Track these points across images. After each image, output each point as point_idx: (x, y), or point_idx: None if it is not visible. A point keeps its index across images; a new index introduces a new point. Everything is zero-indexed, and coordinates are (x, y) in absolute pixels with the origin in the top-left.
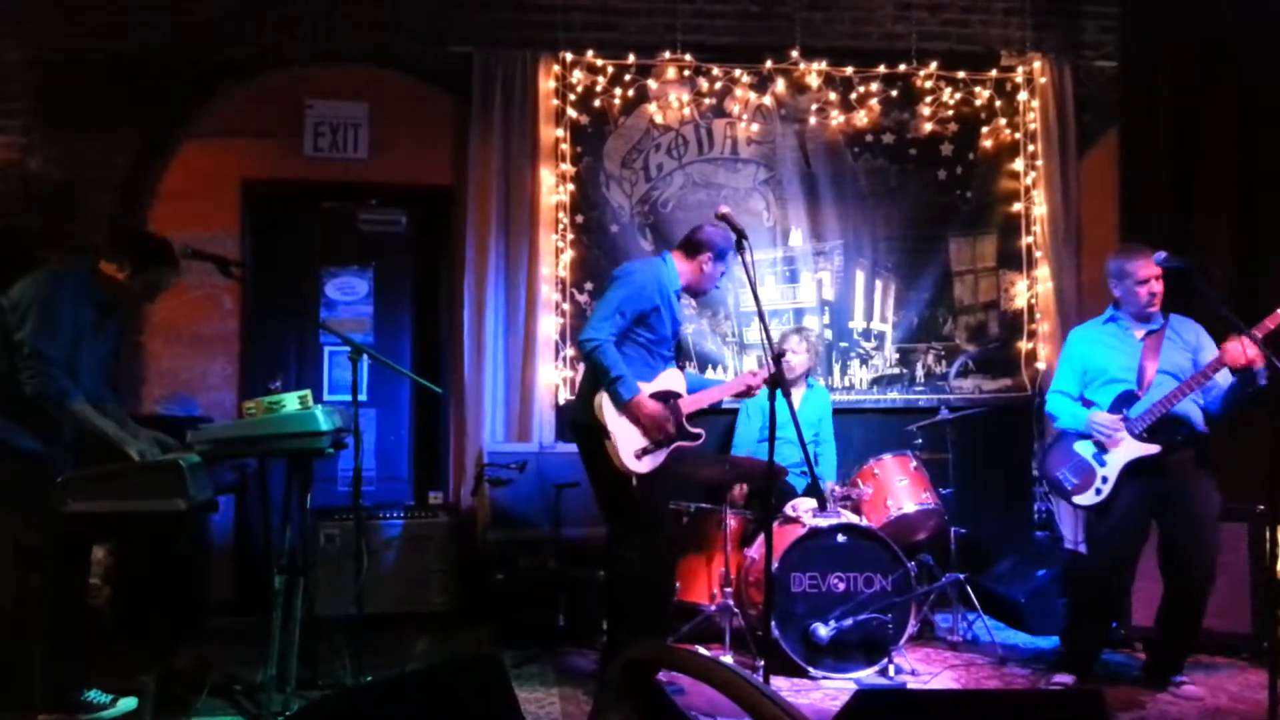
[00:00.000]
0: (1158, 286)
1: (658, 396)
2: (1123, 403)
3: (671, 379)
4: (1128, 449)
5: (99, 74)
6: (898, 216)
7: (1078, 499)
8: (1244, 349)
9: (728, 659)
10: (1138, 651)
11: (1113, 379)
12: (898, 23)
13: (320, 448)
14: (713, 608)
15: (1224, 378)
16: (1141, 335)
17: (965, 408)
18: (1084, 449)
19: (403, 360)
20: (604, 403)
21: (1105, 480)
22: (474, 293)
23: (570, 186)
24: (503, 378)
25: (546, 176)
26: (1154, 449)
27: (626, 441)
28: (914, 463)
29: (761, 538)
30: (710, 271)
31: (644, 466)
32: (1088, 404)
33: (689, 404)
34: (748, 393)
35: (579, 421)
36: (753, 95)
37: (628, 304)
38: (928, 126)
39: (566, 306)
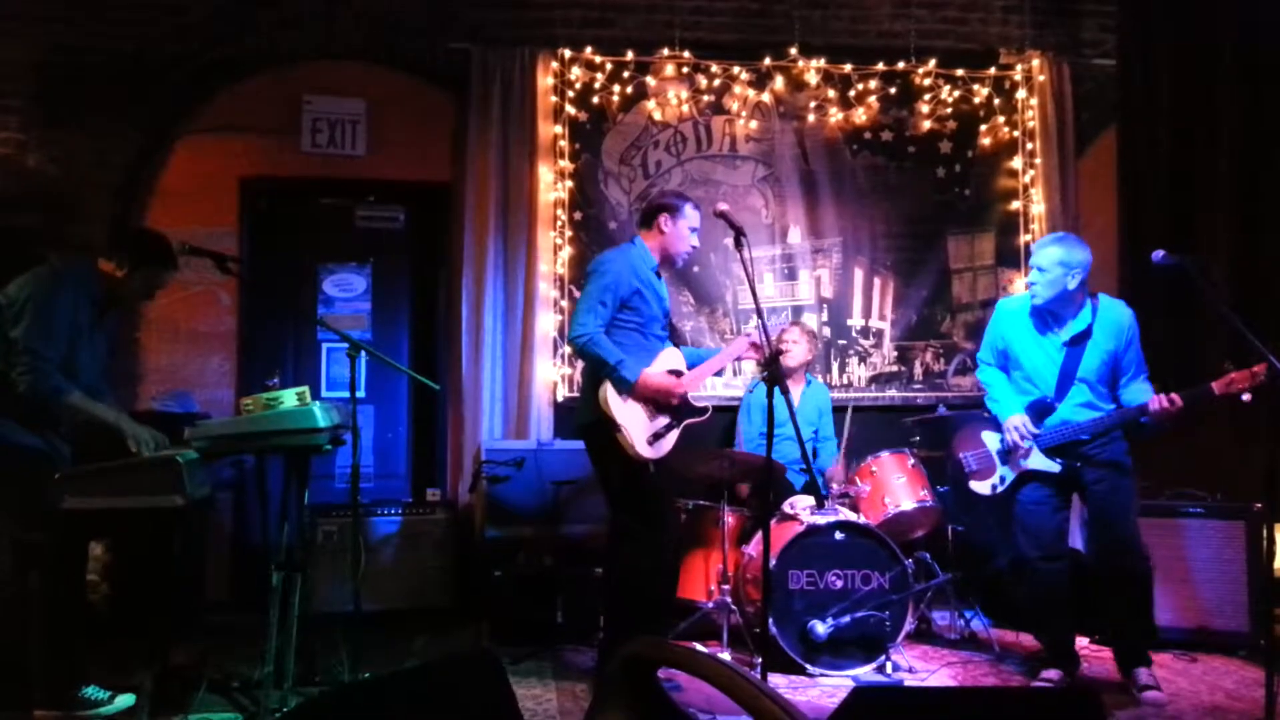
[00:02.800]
0: (1034, 277)
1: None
2: (1037, 413)
3: (671, 358)
4: (1030, 461)
5: (97, 71)
6: (896, 214)
7: (974, 484)
8: (1168, 411)
9: (725, 656)
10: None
11: (1030, 380)
12: (896, 20)
13: (318, 444)
14: (710, 605)
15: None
16: (1067, 339)
17: (963, 405)
18: (991, 441)
19: (400, 357)
20: (609, 394)
21: (1003, 480)
22: (472, 289)
23: (569, 183)
24: (501, 375)
25: (545, 173)
26: (1054, 468)
27: (636, 429)
28: (912, 460)
29: (759, 535)
30: (673, 230)
31: (656, 452)
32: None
33: (692, 379)
34: (753, 352)
35: (584, 422)
36: (751, 92)
37: (607, 292)
38: (926, 124)
39: (564, 304)
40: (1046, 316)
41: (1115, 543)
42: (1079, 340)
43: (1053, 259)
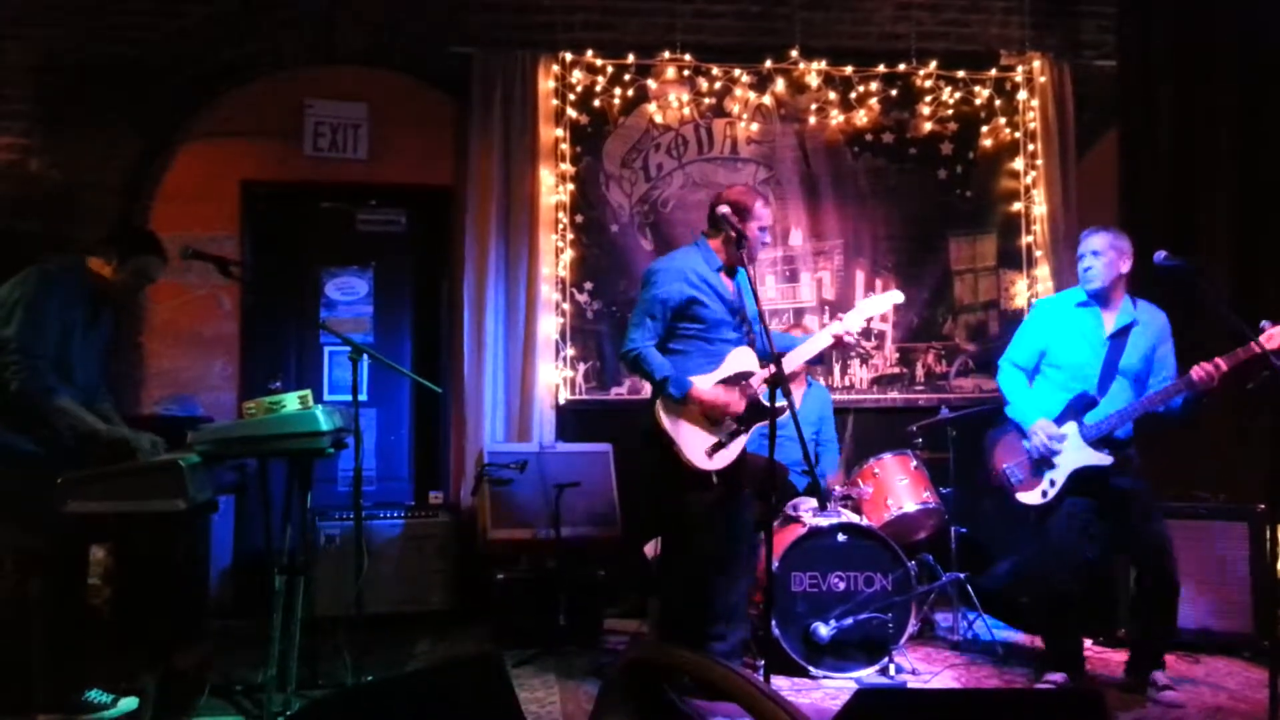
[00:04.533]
0: (1089, 262)
1: (729, 381)
2: (1079, 408)
3: (740, 360)
4: (1078, 456)
5: (99, 76)
6: (897, 216)
7: (1022, 496)
8: (1210, 377)
9: None
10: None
11: (1074, 375)
12: (897, 22)
13: (320, 448)
14: None
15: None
16: (1111, 330)
17: (965, 407)
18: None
19: (403, 360)
20: (660, 410)
21: (1053, 484)
22: (474, 293)
23: (570, 186)
24: (503, 377)
25: (546, 176)
26: (1106, 460)
27: (693, 442)
28: (914, 462)
29: (762, 537)
30: (751, 233)
31: (718, 463)
32: (1031, 376)
33: (760, 380)
34: (838, 344)
35: (643, 429)
36: (752, 95)
37: (655, 305)
38: (927, 126)
39: (566, 306)
40: (1095, 305)
41: (1158, 544)
42: (1122, 334)
43: (1106, 242)
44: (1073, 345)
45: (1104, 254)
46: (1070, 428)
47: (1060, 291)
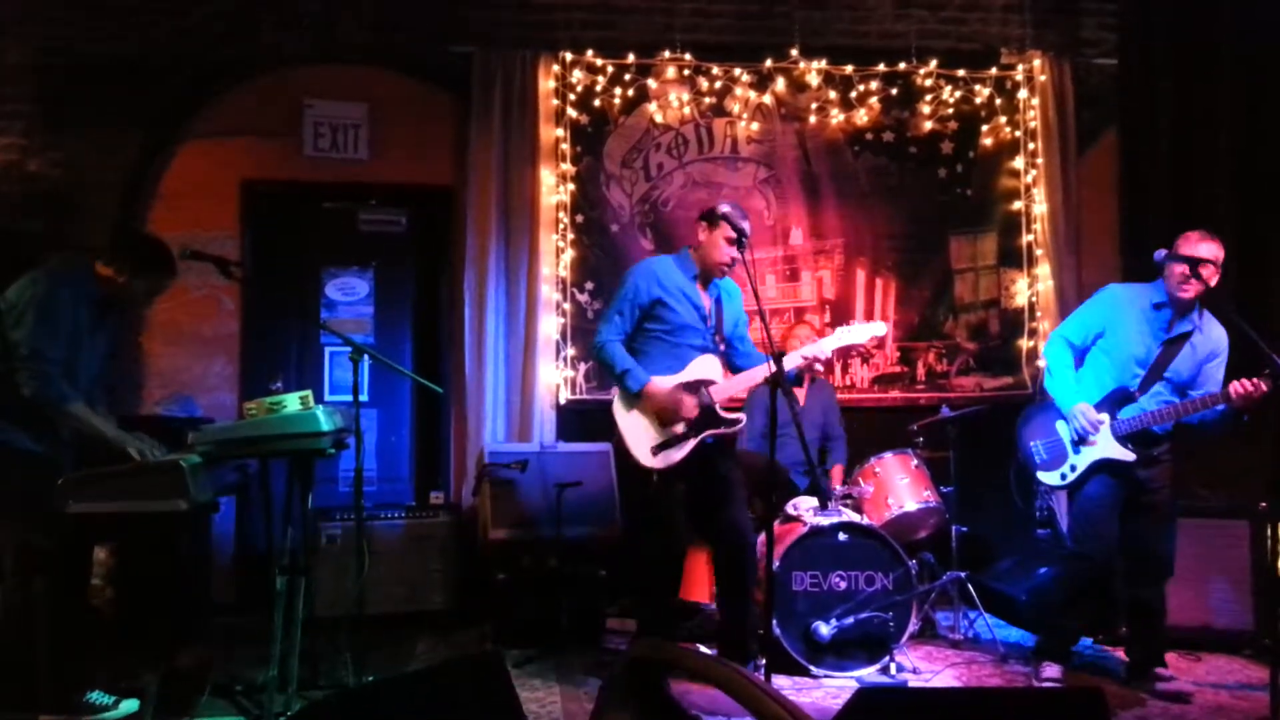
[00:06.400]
0: (1190, 274)
1: (688, 386)
2: (1116, 401)
3: (703, 366)
4: (1104, 448)
5: (99, 75)
6: (898, 215)
7: (1042, 475)
8: (1248, 394)
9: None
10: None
11: (1120, 368)
12: (897, 21)
13: (321, 448)
14: (714, 606)
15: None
16: (1172, 335)
17: (966, 406)
18: (1064, 431)
19: (403, 360)
20: (616, 401)
21: (1074, 469)
22: (474, 293)
23: (570, 186)
24: (503, 377)
25: (546, 176)
26: (1129, 457)
27: (639, 438)
28: (915, 461)
29: (762, 536)
30: (707, 239)
31: (659, 463)
32: (1081, 357)
33: (725, 389)
34: (808, 366)
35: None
36: (752, 94)
37: (623, 303)
38: (928, 125)
39: (567, 306)
40: (1171, 310)
41: (1161, 545)
42: (1178, 340)
43: (1217, 256)
44: (1131, 339)
45: (1210, 273)
46: (1103, 418)
47: (1141, 284)
